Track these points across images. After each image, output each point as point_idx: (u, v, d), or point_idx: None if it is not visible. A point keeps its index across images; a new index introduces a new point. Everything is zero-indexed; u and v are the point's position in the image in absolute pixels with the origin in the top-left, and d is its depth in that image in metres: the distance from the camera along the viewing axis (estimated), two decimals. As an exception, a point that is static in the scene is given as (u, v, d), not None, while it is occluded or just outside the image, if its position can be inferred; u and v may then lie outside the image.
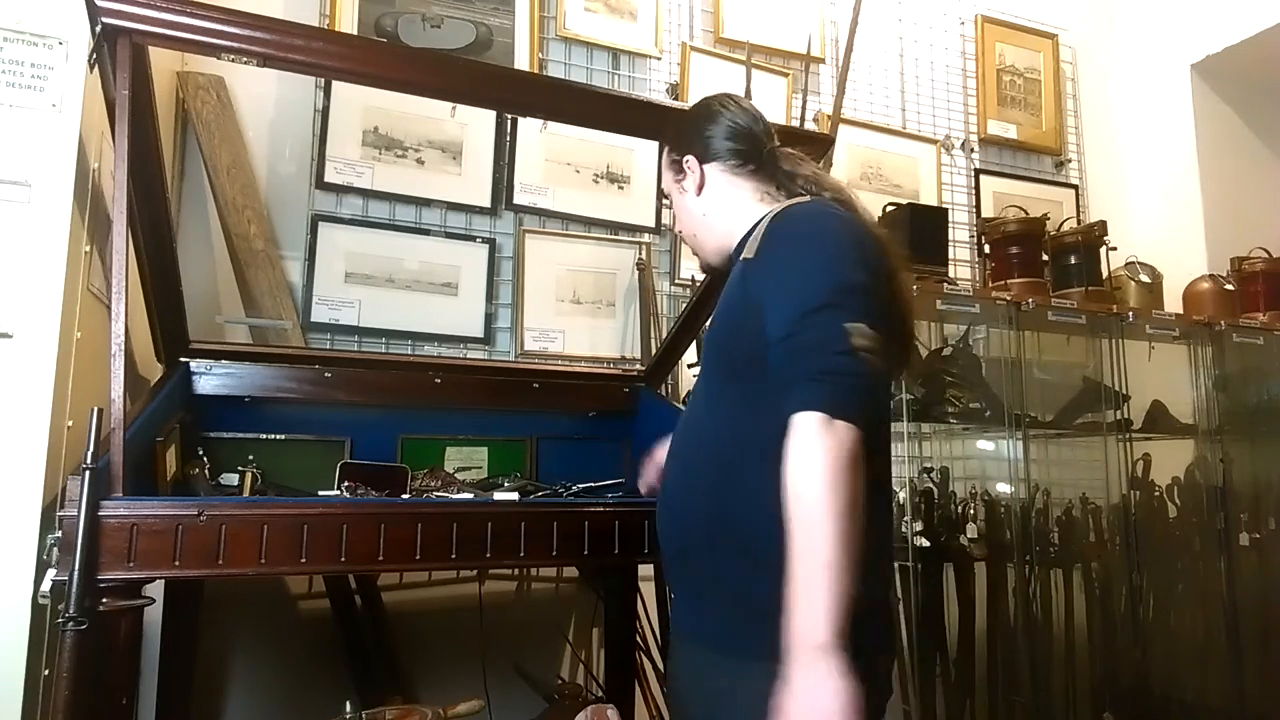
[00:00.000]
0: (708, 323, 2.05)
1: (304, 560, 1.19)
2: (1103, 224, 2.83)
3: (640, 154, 2.69)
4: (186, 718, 1.76)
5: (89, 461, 1.07)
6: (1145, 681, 2.53)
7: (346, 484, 1.61)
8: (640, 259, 2.64)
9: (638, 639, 2.17)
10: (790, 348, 1.03)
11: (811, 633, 0.91)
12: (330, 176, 2.33)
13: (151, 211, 1.48)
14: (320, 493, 1.61)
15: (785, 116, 2.84)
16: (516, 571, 2.35)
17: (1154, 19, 3.56)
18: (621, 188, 2.68)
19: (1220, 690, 2.66)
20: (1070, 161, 3.49)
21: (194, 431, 1.71)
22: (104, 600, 1.09)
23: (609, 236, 2.65)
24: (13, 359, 1.32)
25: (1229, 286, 3.05)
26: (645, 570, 2.22)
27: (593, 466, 2.00)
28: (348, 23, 2.38)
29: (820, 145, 1.69)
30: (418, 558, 1.26)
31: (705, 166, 1.30)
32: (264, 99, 2.31)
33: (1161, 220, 3.42)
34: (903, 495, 2.31)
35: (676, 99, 2.70)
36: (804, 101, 2.25)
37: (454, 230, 2.46)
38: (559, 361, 2.47)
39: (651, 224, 2.70)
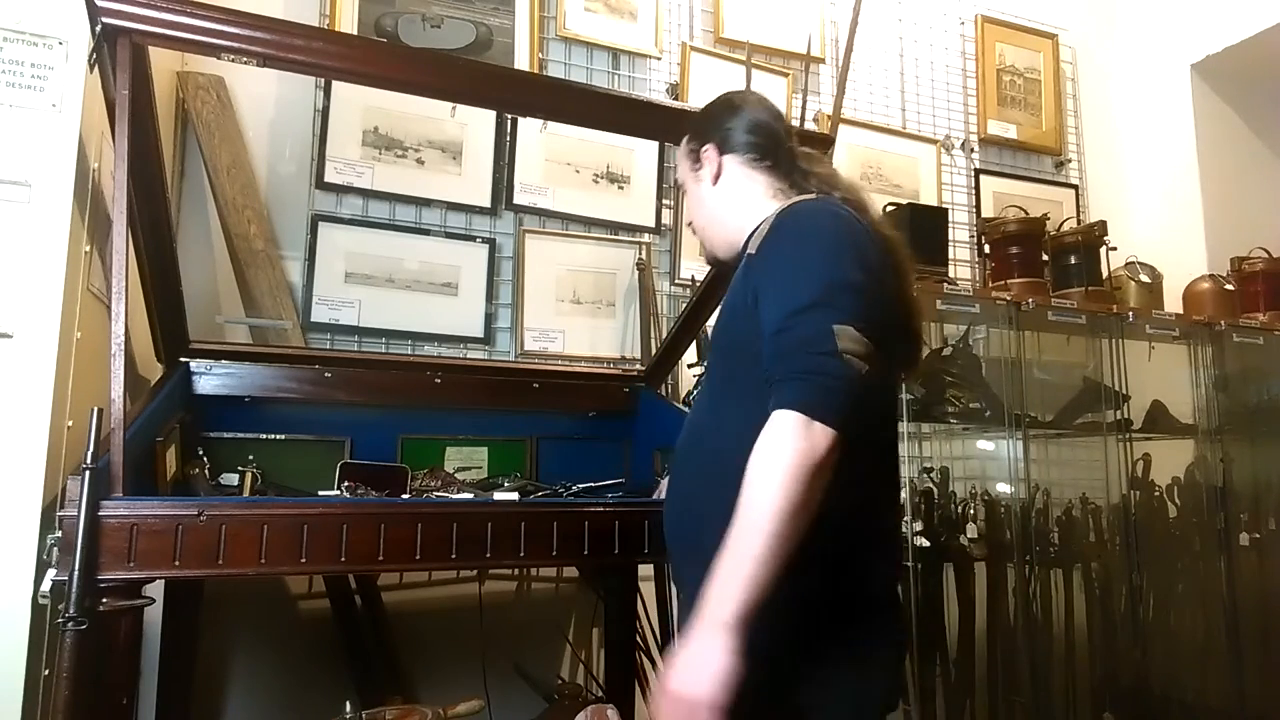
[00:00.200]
0: (712, 319, 2.06)
1: (304, 560, 1.19)
2: (1103, 224, 2.83)
3: (640, 154, 2.69)
4: (186, 718, 1.76)
5: (89, 461, 1.07)
6: (1145, 681, 2.53)
7: (346, 484, 1.61)
8: (640, 259, 2.64)
9: (638, 639, 2.17)
10: (777, 345, 1.04)
11: (720, 609, 0.96)
12: (330, 176, 2.33)
13: (151, 211, 1.48)
14: (320, 493, 1.61)
15: (785, 116, 2.84)
16: (516, 571, 2.35)
17: (1154, 19, 3.56)
18: (621, 188, 2.68)
19: (1220, 690, 2.66)
20: (1070, 161, 3.49)
21: (194, 431, 1.71)
22: (104, 600, 1.09)
23: (609, 236, 2.65)
24: (13, 359, 1.32)
25: (1229, 286, 3.05)
26: (645, 570, 2.22)
27: (593, 466, 2.00)
28: (348, 23, 2.38)
29: (820, 145, 1.69)
30: (418, 558, 1.26)
31: (724, 158, 1.31)
32: (264, 99, 2.31)
33: (1161, 220, 3.42)
34: (903, 495, 2.31)
35: (676, 99, 2.70)
36: (804, 101, 2.24)
37: (454, 230, 2.46)
38: (559, 361, 2.47)
39: (651, 224, 2.70)
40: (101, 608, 1.09)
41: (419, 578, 2.22)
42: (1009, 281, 2.76)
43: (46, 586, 1.11)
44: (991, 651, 2.40)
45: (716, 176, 1.31)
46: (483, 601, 2.13)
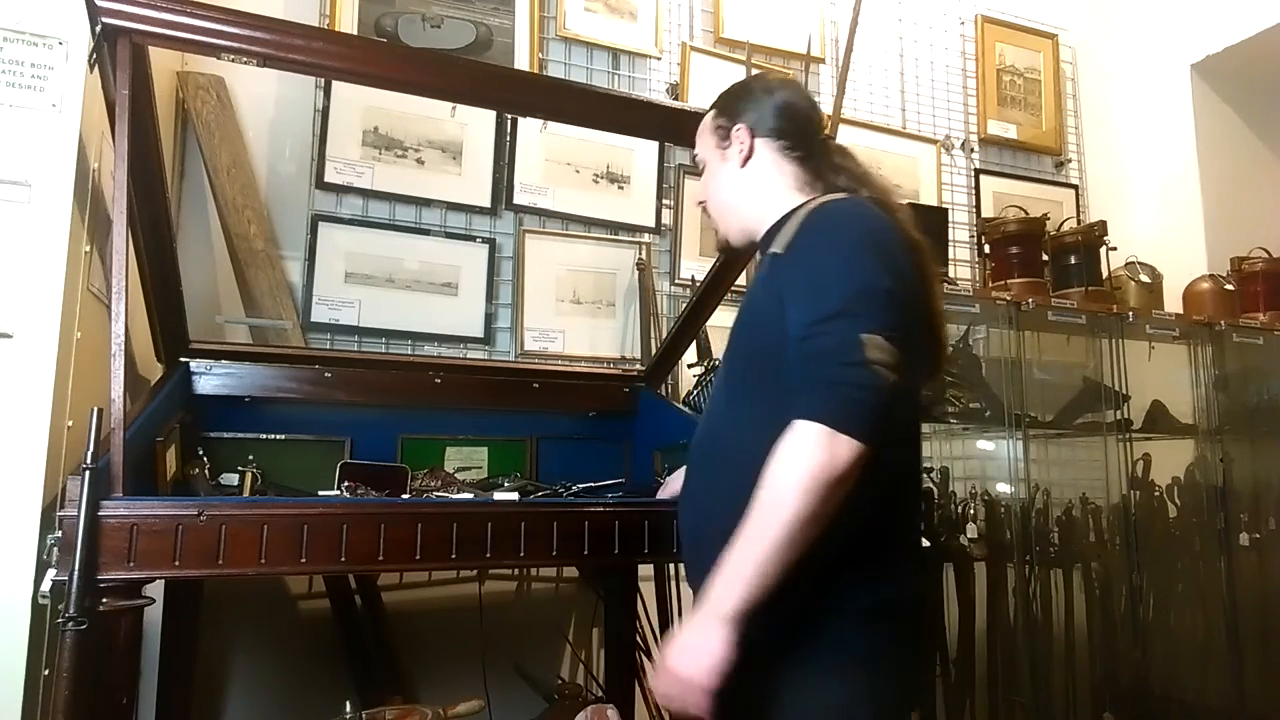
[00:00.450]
0: (713, 319, 2.06)
1: (304, 560, 1.19)
2: (1103, 224, 2.83)
3: (640, 154, 2.69)
4: (186, 718, 1.76)
5: (89, 461, 1.07)
6: (1145, 681, 2.53)
7: (346, 484, 1.61)
8: (640, 259, 2.64)
9: (638, 639, 2.17)
10: (804, 351, 1.02)
11: (722, 602, 1.00)
12: (330, 176, 2.33)
13: (151, 211, 1.48)
14: (320, 493, 1.61)
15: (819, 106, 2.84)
16: (516, 571, 2.35)
17: (1154, 19, 3.56)
18: (621, 188, 2.68)
19: (1220, 690, 2.65)
20: (1070, 161, 3.49)
21: (194, 431, 1.71)
22: (104, 600, 1.09)
23: (609, 236, 2.65)
24: (13, 359, 1.32)
25: (1229, 286, 3.05)
26: (645, 570, 2.22)
27: (593, 466, 2.00)
28: (348, 23, 2.38)
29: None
30: (418, 558, 1.26)
31: (757, 140, 1.27)
32: (264, 99, 2.31)
33: (1161, 220, 3.42)
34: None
35: (676, 99, 2.70)
36: (804, 101, 2.24)
37: (454, 230, 2.46)
38: (559, 361, 2.47)
39: (651, 224, 2.70)
40: (101, 608, 1.09)
41: (419, 578, 2.22)
42: (1009, 281, 2.76)
43: (46, 586, 1.11)
44: (991, 651, 2.40)
45: (746, 159, 1.27)
46: (483, 601, 2.13)
